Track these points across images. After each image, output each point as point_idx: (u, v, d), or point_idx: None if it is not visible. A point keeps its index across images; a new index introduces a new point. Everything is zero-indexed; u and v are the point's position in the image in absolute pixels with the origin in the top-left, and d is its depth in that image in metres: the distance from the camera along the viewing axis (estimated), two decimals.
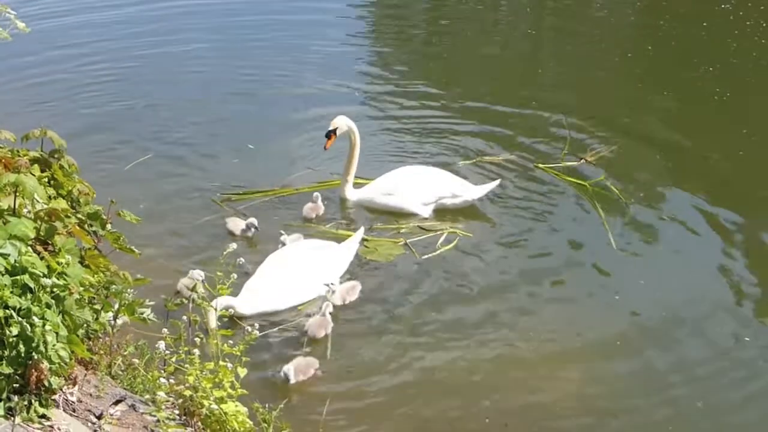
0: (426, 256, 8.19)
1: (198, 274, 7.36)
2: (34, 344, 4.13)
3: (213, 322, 6.84)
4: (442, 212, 8.90)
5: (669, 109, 11.41)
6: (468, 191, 8.97)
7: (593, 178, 9.35)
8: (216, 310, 6.85)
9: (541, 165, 9.68)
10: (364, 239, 8.30)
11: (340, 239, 8.24)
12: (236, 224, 8.43)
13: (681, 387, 6.75)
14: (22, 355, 4.13)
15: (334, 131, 8.99)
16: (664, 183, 9.57)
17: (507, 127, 10.76)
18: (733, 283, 7.88)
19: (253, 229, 8.34)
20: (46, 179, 5.37)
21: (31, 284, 4.23)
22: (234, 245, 7.88)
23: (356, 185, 9.08)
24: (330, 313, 7.18)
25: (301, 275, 7.61)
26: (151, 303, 6.15)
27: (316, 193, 8.81)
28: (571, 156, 9.82)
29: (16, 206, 4.70)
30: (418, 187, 8.94)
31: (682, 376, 6.85)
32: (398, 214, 8.87)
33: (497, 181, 9.11)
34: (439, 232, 8.53)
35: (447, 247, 8.30)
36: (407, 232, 8.57)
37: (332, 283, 7.54)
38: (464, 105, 11.35)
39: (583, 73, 12.65)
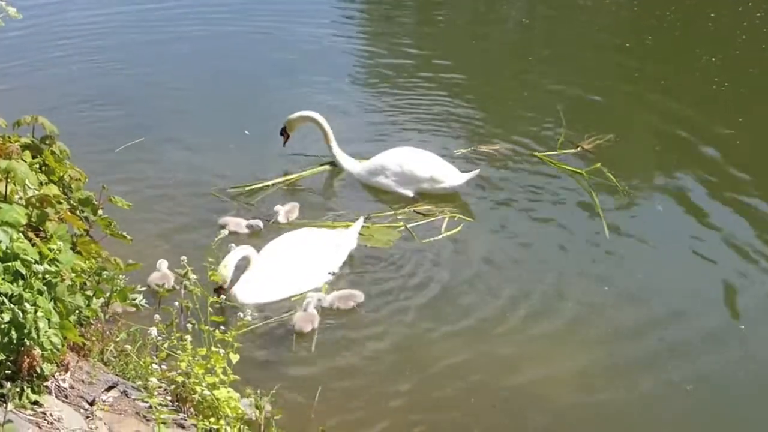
0: (425, 241, 8.18)
1: (164, 264, 7.33)
2: (26, 330, 4.14)
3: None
4: (438, 199, 8.85)
5: (665, 97, 11.31)
6: (449, 178, 9.00)
7: (589, 166, 9.31)
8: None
9: (537, 153, 9.65)
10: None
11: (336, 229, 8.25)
12: (237, 223, 8.26)
13: (672, 374, 6.76)
14: (14, 341, 4.14)
15: (284, 129, 9.18)
16: (661, 171, 9.53)
17: (502, 115, 10.70)
18: (729, 272, 7.83)
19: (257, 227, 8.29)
20: (37, 165, 5.36)
21: (23, 271, 4.24)
22: (225, 232, 7.91)
23: None
24: (316, 308, 7.15)
25: (302, 265, 7.58)
26: (143, 289, 6.16)
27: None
28: (568, 144, 9.78)
29: (8, 192, 4.69)
30: (402, 169, 9.03)
31: (675, 366, 6.84)
32: (389, 198, 8.89)
33: (478, 170, 9.07)
34: (437, 218, 8.51)
35: (443, 235, 8.27)
36: (405, 218, 8.55)
37: (332, 272, 7.63)
38: (458, 93, 11.21)
39: (579, 62, 12.54)
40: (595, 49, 13.14)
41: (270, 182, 9.01)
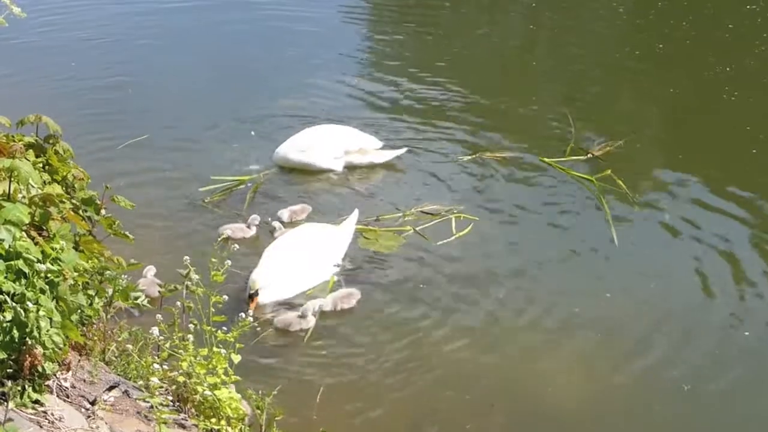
0: (439, 243, 8.18)
1: (151, 271, 7.31)
2: (27, 329, 4.14)
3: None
4: (443, 202, 8.81)
5: (675, 105, 11.26)
6: (375, 154, 9.41)
7: (599, 172, 9.27)
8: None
9: (546, 159, 9.60)
10: (364, 230, 8.28)
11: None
12: (240, 229, 8.22)
13: (674, 379, 6.77)
14: (16, 340, 4.14)
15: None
16: (671, 179, 9.49)
17: (510, 121, 10.61)
18: (739, 281, 7.82)
19: (254, 228, 8.26)
20: (40, 164, 5.36)
21: (26, 269, 4.23)
22: (228, 231, 7.92)
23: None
24: (314, 313, 7.15)
25: (310, 260, 7.62)
26: (144, 288, 6.16)
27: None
28: (578, 150, 9.72)
29: (11, 191, 4.69)
30: (329, 143, 9.33)
31: (678, 372, 6.86)
32: (394, 199, 8.87)
33: (404, 149, 9.52)
34: (444, 218, 8.49)
35: (452, 238, 8.25)
36: (413, 219, 8.52)
37: (338, 265, 7.76)
38: (464, 98, 11.14)
39: (588, 69, 12.48)
40: (604, 55, 13.01)
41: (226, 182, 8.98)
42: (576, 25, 14.39)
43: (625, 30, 14.28)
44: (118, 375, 5.20)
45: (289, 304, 7.38)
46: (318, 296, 7.39)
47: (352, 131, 9.53)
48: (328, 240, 7.82)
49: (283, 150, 9.34)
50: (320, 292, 7.57)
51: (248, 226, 8.21)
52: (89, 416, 4.56)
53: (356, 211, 8.23)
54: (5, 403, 4.08)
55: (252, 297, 7.08)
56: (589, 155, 9.65)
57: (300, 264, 7.54)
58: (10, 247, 4.26)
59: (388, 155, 9.42)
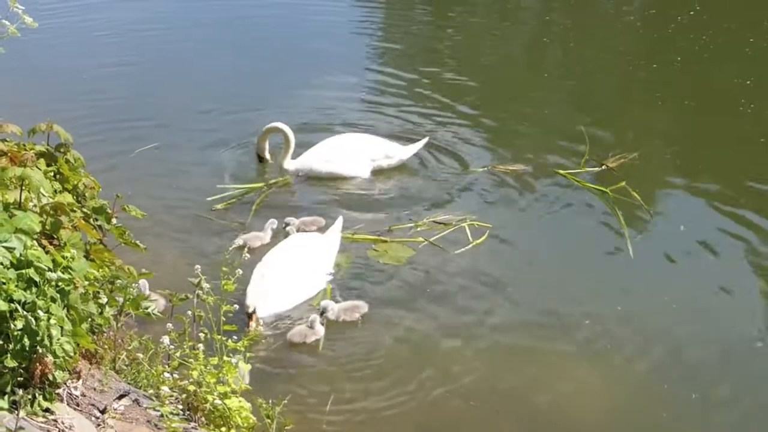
0: (457, 252, 8.14)
1: (143, 283, 7.29)
2: (38, 338, 4.14)
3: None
4: (455, 213, 8.76)
5: (691, 117, 11.17)
6: (399, 152, 9.51)
7: (614, 184, 9.19)
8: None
9: (560, 171, 9.56)
10: (375, 240, 8.28)
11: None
12: (256, 237, 8.19)
13: (679, 384, 6.75)
14: (27, 348, 4.15)
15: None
16: (686, 191, 9.45)
17: (526, 132, 10.59)
18: (754, 292, 7.77)
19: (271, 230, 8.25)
20: (52, 173, 5.39)
21: (36, 278, 4.24)
22: (239, 241, 7.92)
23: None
24: (321, 323, 7.15)
25: (306, 269, 7.62)
26: (155, 299, 6.16)
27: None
28: (592, 162, 9.66)
29: (22, 200, 4.71)
30: (354, 151, 9.40)
31: (681, 378, 6.83)
32: (406, 209, 8.85)
33: (426, 139, 9.64)
34: (455, 227, 8.47)
35: (469, 246, 8.22)
36: (425, 229, 8.50)
37: (330, 273, 7.76)
38: (478, 111, 11.05)
39: (603, 81, 12.45)
40: (619, 68, 12.92)
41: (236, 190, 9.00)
42: (591, 37, 14.33)
43: (642, 43, 14.22)
44: (129, 384, 5.20)
45: (289, 317, 7.36)
46: (322, 306, 7.35)
47: (377, 140, 9.58)
48: (316, 249, 7.82)
49: (308, 160, 9.34)
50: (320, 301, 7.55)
51: (264, 230, 8.19)
52: (99, 424, 4.56)
53: (340, 218, 8.25)
54: (16, 411, 4.09)
55: (251, 315, 7.04)
56: (603, 167, 9.60)
57: (293, 275, 7.53)
58: (21, 255, 4.27)
59: (413, 149, 9.53)
